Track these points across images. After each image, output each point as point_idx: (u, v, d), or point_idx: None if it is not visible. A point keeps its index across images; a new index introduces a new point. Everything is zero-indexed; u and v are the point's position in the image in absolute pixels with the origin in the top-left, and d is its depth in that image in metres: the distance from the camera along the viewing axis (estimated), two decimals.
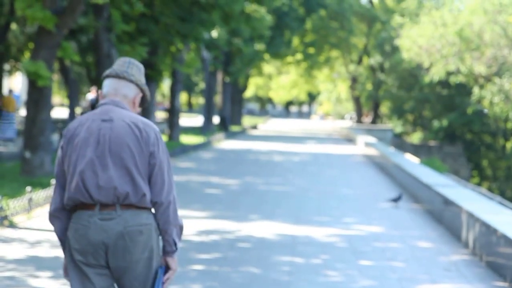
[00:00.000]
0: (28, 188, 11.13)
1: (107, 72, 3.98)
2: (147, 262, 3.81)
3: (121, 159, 3.79)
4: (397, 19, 55.45)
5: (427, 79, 47.48)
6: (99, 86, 20.27)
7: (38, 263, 8.00)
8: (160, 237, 3.92)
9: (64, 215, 3.90)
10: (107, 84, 3.96)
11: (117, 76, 3.94)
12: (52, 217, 3.92)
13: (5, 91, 32.31)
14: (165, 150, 3.90)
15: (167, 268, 3.90)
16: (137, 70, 3.98)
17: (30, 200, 11.00)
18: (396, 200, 14.07)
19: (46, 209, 11.65)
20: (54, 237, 9.42)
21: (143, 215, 3.81)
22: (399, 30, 52.96)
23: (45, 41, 15.42)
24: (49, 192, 11.92)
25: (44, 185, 13.24)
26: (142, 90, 3.99)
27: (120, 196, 3.76)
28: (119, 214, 3.77)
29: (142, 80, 3.99)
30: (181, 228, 3.92)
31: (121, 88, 3.94)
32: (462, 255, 9.43)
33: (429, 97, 53.75)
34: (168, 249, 3.89)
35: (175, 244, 3.90)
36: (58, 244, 9.01)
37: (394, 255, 9.25)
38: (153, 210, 3.89)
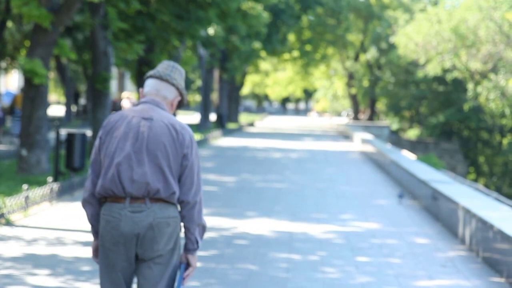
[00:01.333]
0: (25, 186, 11.13)
1: (151, 72, 4.19)
2: (169, 254, 4.02)
3: (156, 157, 4.00)
4: (391, 13, 55.51)
5: (421, 73, 47.50)
6: (97, 84, 20.26)
7: (35, 261, 8.00)
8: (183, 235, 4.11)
9: (96, 201, 4.10)
10: (150, 84, 4.17)
11: (160, 77, 4.16)
12: (86, 202, 4.11)
13: (1, 89, 32.29)
14: (197, 154, 4.12)
15: (187, 265, 4.08)
16: (179, 75, 4.20)
17: (26, 198, 11.00)
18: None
19: (42, 207, 11.65)
20: (50, 235, 9.42)
21: (170, 208, 4.03)
22: (395, 26, 53.00)
23: (41, 39, 15.41)
24: (45, 190, 11.91)
25: (41, 183, 13.23)
26: (181, 94, 4.21)
27: (151, 191, 3.97)
28: (148, 207, 3.98)
29: (182, 84, 4.21)
30: (203, 228, 4.12)
31: (162, 89, 4.16)
32: (459, 251, 9.45)
33: (425, 94, 53.80)
34: (190, 246, 4.09)
35: (197, 243, 4.09)
36: (55, 242, 9.01)
37: (391, 251, 9.27)
38: (178, 208, 4.09)
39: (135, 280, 4.11)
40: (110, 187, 3.99)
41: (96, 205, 4.10)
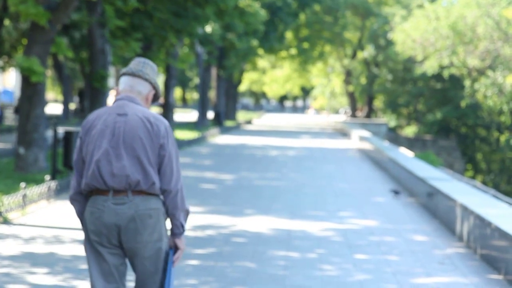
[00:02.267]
0: (22, 184, 11.11)
1: (124, 70, 4.38)
2: (156, 244, 4.21)
3: (133, 150, 4.18)
4: (388, 9, 55.47)
5: (419, 70, 47.49)
6: (94, 82, 20.24)
7: (33, 259, 7.99)
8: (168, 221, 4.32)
9: (82, 198, 4.32)
10: (123, 81, 4.37)
11: (132, 74, 4.35)
12: (72, 200, 4.34)
13: None
14: (174, 143, 4.28)
15: (176, 249, 4.31)
16: (151, 70, 4.38)
17: (24, 196, 10.99)
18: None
19: (40, 205, 11.64)
20: (48, 233, 9.42)
21: (152, 200, 4.21)
22: (392, 23, 52.96)
23: (39, 37, 15.39)
24: (43, 188, 11.90)
25: (38, 181, 13.22)
26: (154, 88, 4.39)
27: (132, 183, 4.16)
28: (130, 199, 4.17)
29: (155, 78, 4.38)
30: (187, 213, 4.33)
31: (136, 85, 4.34)
32: (457, 248, 9.46)
33: (423, 91, 53.82)
34: (176, 231, 4.30)
35: (182, 227, 4.31)
36: (53, 240, 9.01)
37: (389, 248, 9.27)
38: (161, 197, 4.28)
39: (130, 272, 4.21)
40: (93, 183, 4.18)
41: (83, 201, 4.31)
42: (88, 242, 4.25)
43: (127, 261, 4.31)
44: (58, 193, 12.59)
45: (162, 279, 4.25)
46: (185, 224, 4.32)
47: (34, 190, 11.54)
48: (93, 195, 4.22)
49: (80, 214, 4.34)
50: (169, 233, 4.34)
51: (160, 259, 4.23)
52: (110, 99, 22.30)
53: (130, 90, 4.33)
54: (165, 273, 4.25)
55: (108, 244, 4.19)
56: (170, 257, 4.27)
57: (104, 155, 4.17)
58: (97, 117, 4.26)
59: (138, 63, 4.37)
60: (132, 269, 4.30)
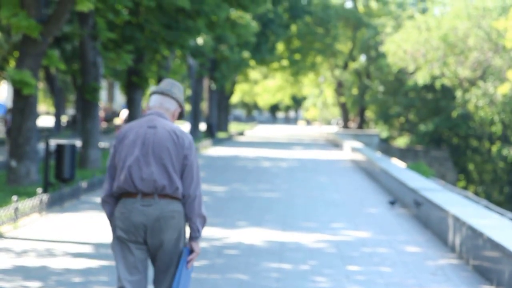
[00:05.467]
0: (14, 198, 11.08)
1: (155, 89, 5.01)
2: (175, 242, 4.79)
3: (161, 158, 4.78)
4: (378, 20, 55.65)
5: (411, 82, 47.62)
6: (86, 94, 20.23)
7: (25, 273, 7.97)
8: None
9: (112, 200, 4.88)
10: (154, 99, 4.99)
11: (162, 93, 4.98)
12: (104, 202, 4.90)
13: None
14: (195, 154, 4.90)
15: (191, 251, 4.83)
16: (178, 90, 5.03)
17: (16, 209, 10.95)
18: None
19: (32, 219, 11.61)
20: (40, 246, 9.39)
21: (175, 203, 4.79)
22: (383, 34, 53.12)
23: (30, 50, 15.38)
24: (35, 201, 11.87)
25: (31, 194, 13.18)
26: (180, 106, 5.03)
27: (158, 187, 4.75)
28: (156, 202, 4.76)
29: (181, 98, 5.03)
30: (204, 219, 4.88)
31: (165, 103, 4.97)
32: (449, 259, 9.47)
33: (414, 102, 53.95)
34: (193, 234, 4.85)
35: (199, 231, 4.85)
36: (45, 254, 8.98)
37: (381, 260, 9.28)
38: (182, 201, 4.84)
39: (150, 267, 4.87)
40: (124, 186, 4.77)
41: (113, 203, 4.88)
42: (117, 239, 4.79)
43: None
44: (50, 206, 12.55)
45: (174, 273, 4.79)
46: (201, 229, 4.84)
47: (26, 203, 11.50)
48: (123, 197, 4.80)
49: (110, 215, 4.88)
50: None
51: (177, 255, 4.79)
52: (123, 114, 22.44)
53: (159, 106, 4.95)
54: (176, 267, 4.79)
55: (135, 240, 4.74)
56: (185, 255, 4.79)
57: (135, 161, 4.76)
58: (129, 129, 4.86)
59: (167, 84, 5.00)
60: (151, 263, 4.84)
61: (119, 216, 4.79)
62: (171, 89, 4.99)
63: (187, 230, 4.87)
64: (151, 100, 5.00)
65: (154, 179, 4.73)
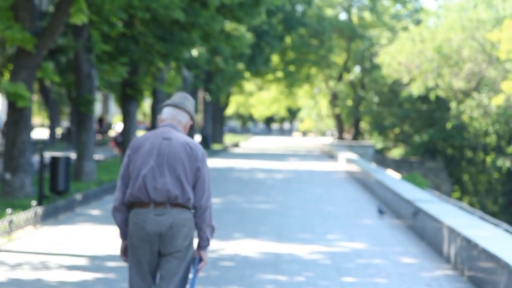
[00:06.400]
0: (9, 210, 11.05)
1: (168, 102, 5.15)
2: (186, 249, 4.94)
3: (174, 169, 4.93)
4: (372, 31, 55.81)
5: (405, 93, 47.70)
6: (81, 107, 20.21)
7: (19, 286, 7.94)
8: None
9: (125, 208, 5.00)
10: (167, 111, 5.14)
11: (175, 106, 5.14)
12: (116, 209, 5.01)
13: None
14: (207, 166, 5.06)
15: (200, 260, 5.00)
16: (190, 103, 5.18)
17: (10, 222, 10.92)
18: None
19: (26, 231, 11.57)
20: (35, 259, 9.36)
21: (186, 212, 4.96)
22: (377, 46, 53.27)
23: (25, 62, 15.38)
24: (29, 214, 11.83)
25: (25, 207, 13.14)
26: (192, 119, 5.17)
27: (171, 197, 4.90)
28: (168, 211, 4.91)
29: (193, 110, 5.18)
30: (213, 229, 5.06)
31: (177, 115, 5.13)
32: (444, 270, 9.47)
33: (409, 113, 54.02)
34: (202, 244, 5.03)
35: (208, 240, 5.02)
36: (40, 266, 8.95)
37: (377, 271, 9.27)
38: (192, 211, 5.01)
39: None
40: (138, 195, 4.90)
41: (125, 211, 4.99)
42: (131, 247, 4.93)
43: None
44: (45, 218, 12.52)
45: (178, 282, 4.90)
46: (210, 238, 5.02)
47: (21, 216, 11.47)
48: (135, 207, 4.93)
49: (121, 223, 5.01)
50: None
51: (185, 262, 4.93)
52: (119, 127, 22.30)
53: (172, 119, 5.11)
54: (187, 277, 4.94)
55: (149, 248, 4.88)
56: (196, 264, 4.98)
57: (150, 171, 4.91)
58: (144, 139, 5.01)
59: (180, 97, 5.16)
60: (159, 268, 4.94)
61: (133, 227, 4.91)
62: (184, 102, 5.14)
63: (195, 239, 5.01)
64: (164, 112, 5.14)
65: (167, 189, 4.88)
